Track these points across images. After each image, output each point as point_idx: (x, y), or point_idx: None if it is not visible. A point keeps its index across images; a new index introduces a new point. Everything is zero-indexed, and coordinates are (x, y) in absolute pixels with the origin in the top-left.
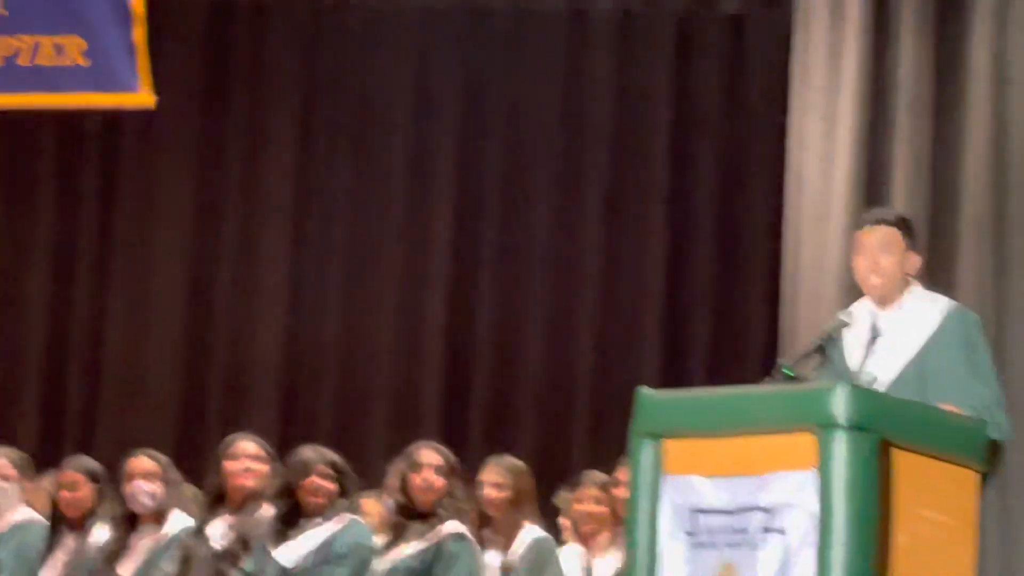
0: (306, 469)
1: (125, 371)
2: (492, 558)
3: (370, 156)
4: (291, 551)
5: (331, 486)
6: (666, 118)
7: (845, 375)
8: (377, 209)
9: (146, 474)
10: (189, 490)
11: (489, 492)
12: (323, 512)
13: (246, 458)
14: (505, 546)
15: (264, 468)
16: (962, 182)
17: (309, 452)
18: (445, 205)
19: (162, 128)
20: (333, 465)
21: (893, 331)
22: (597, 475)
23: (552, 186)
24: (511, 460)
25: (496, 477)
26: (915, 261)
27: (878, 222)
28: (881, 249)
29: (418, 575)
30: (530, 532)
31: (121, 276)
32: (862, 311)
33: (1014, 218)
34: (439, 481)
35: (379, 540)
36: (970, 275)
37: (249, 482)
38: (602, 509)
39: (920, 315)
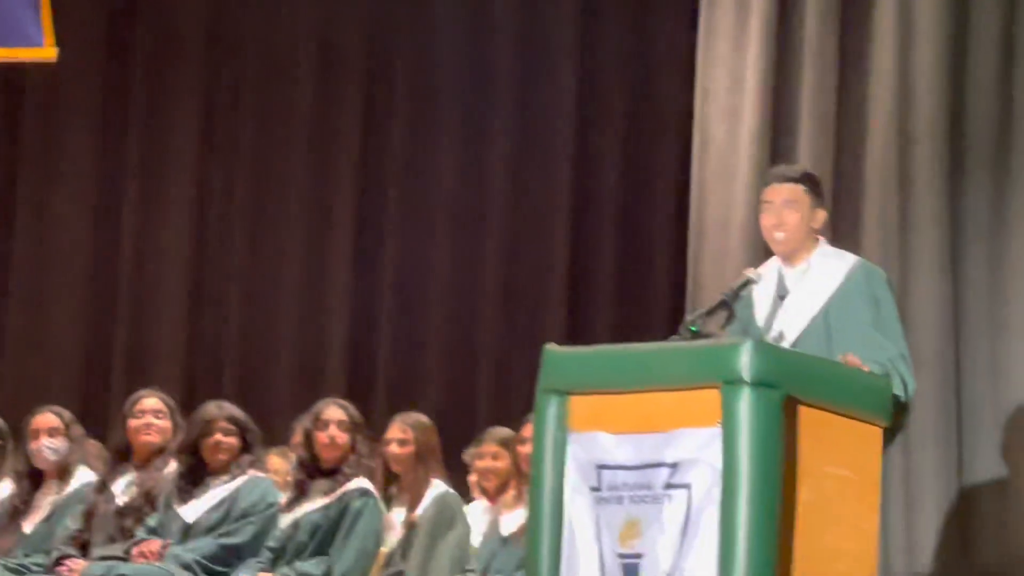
0: (209, 425)
1: (29, 326)
2: (399, 515)
3: (275, 108)
4: (195, 507)
5: (235, 442)
6: (572, 73)
7: (752, 332)
8: (282, 162)
9: (50, 430)
10: (94, 446)
11: (393, 448)
12: (227, 468)
13: (150, 414)
14: (412, 503)
15: (168, 424)
16: (867, 138)
17: (213, 408)
18: (350, 159)
19: (65, 82)
20: (237, 421)
21: (800, 288)
22: (499, 431)
23: (457, 141)
24: (416, 416)
25: (400, 433)
26: (821, 217)
27: (784, 179)
28: (786, 206)
29: (323, 531)
30: (436, 488)
31: (25, 231)
32: (770, 269)
33: (919, 174)
34: (343, 437)
35: (284, 496)
36: (875, 231)
37: (153, 438)
38: (501, 464)
39: (826, 271)
